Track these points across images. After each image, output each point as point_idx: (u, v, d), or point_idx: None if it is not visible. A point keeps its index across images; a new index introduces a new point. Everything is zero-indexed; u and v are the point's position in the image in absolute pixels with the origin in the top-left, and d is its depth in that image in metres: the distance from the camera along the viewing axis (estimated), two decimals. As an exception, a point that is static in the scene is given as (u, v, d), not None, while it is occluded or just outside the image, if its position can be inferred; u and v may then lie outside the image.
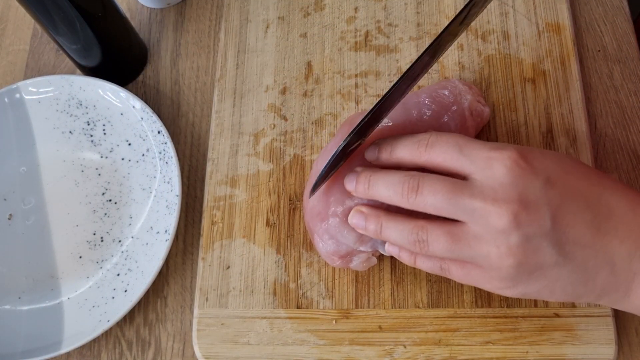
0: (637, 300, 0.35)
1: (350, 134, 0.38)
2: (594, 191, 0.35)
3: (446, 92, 0.45)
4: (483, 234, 0.35)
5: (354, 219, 0.40)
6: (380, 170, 0.40)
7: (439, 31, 0.44)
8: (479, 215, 0.35)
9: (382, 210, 0.40)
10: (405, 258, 0.40)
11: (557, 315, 0.43)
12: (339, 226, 0.42)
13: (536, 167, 0.35)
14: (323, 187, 0.43)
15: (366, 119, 0.38)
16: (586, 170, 0.37)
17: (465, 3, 0.36)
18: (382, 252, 0.44)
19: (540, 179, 0.35)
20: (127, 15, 0.56)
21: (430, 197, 0.36)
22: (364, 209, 0.40)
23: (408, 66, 0.40)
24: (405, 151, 0.39)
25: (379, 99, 0.38)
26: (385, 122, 0.43)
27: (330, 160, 0.39)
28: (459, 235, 0.36)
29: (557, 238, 0.34)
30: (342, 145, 0.38)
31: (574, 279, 0.35)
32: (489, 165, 0.35)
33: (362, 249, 0.43)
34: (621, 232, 0.35)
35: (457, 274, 0.38)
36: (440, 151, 0.37)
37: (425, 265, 0.40)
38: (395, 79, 0.39)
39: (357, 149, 0.42)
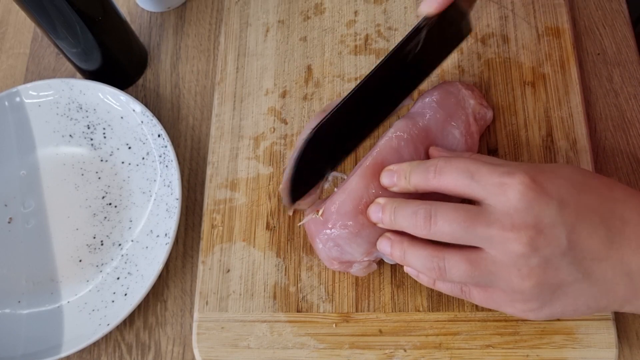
0: None
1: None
2: (606, 205, 0.36)
3: (451, 99, 0.45)
4: (502, 259, 0.36)
5: (381, 244, 0.41)
6: (399, 200, 0.40)
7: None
8: (497, 242, 0.35)
9: (406, 237, 0.40)
10: (424, 280, 0.41)
11: (557, 319, 0.43)
12: (349, 238, 0.41)
13: (549, 189, 0.35)
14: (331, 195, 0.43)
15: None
16: (597, 184, 0.38)
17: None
18: (386, 261, 0.44)
19: (554, 201, 0.35)
20: (127, 19, 0.56)
21: (447, 227, 0.36)
22: (390, 235, 0.40)
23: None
24: (417, 178, 0.39)
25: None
26: (392, 131, 0.43)
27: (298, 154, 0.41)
28: (478, 262, 0.37)
29: (574, 256, 0.35)
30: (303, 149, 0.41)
31: (595, 293, 0.36)
32: (503, 191, 0.35)
33: (365, 259, 0.43)
34: (635, 241, 0.36)
35: (478, 297, 0.39)
36: (450, 178, 0.37)
37: (444, 287, 0.40)
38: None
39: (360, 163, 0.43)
